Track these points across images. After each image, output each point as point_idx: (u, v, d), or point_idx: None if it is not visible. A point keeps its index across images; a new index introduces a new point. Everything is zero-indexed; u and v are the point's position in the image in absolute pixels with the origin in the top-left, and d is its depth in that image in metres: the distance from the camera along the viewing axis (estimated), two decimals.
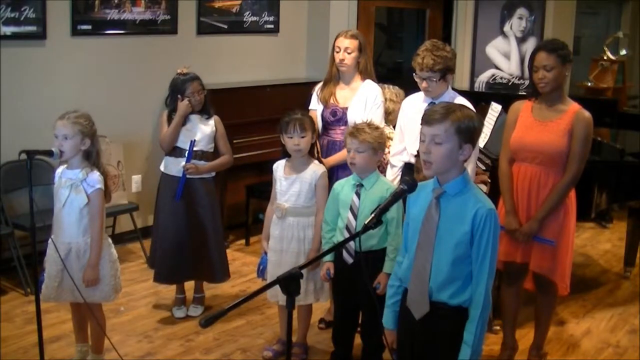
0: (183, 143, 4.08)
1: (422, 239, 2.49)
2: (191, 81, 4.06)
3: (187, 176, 4.08)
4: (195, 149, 4.06)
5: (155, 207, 4.33)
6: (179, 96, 4.06)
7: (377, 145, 3.38)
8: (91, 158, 3.34)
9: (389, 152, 3.89)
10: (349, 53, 3.98)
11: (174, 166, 4.12)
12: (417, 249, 2.51)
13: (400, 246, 2.71)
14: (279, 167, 3.73)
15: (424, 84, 3.61)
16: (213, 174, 4.24)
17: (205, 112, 4.14)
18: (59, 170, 3.40)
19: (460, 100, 3.59)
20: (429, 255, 2.46)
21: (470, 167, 3.46)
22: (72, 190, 3.29)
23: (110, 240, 3.47)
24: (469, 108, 2.60)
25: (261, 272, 3.80)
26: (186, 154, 4.05)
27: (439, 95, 3.63)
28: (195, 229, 4.17)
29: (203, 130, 4.11)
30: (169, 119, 4.10)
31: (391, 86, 4.50)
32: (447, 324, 2.47)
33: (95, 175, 3.32)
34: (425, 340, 2.52)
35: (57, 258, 3.30)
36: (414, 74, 3.64)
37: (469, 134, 2.42)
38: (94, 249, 3.31)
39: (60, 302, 3.52)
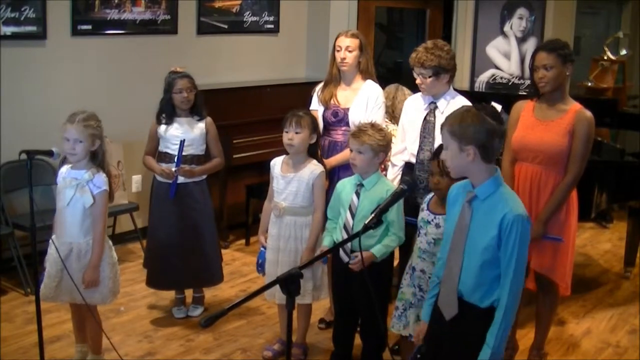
0: (172, 149, 4.04)
1: (453, 242, 2.53)
2: (181, 78, 4.02)
3: (179, 179, 4.03)
4: (184, 153, 4.01)
5: (149, 213, 4.30)
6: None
7: (377, 147, 3.37)
8: (97, 159, 3.33)
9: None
10: (350, 52, 3.97)
11: None
12: (449, 252, 2.55)
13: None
14: (277, 164, 3.72)
15: (417, 80, 3.64)
16: (205, 175, 4.20)
17: (196, 113, 4.10)
18: (63, 169, 3.39)
19: (461, 100, 3.60)
20: (459, 259, 2.50)
21: None
22: (78, 191, 3.28)
23: (110, 243, 3.46)
24: (468, 110, 2.59)
25: (260, 266, 3.78)
26: (175, 159, 4.00)
27: (438, 95, 3.65)
28: (190, 232, 4.13)
29: (193, 134, 4.06)
30: (158, 120, 4.08)
31: (405, 88, 4.53)
32: (478, 326, 2.48)
33: (102, 177, 3.31)
34: (455, 340, 2.55)
35: (57, 258, 3.30)
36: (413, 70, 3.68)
37: (465, 135, 2.42)
38: (96, 250, 3.31)
39: (58, 302, 3.51)
